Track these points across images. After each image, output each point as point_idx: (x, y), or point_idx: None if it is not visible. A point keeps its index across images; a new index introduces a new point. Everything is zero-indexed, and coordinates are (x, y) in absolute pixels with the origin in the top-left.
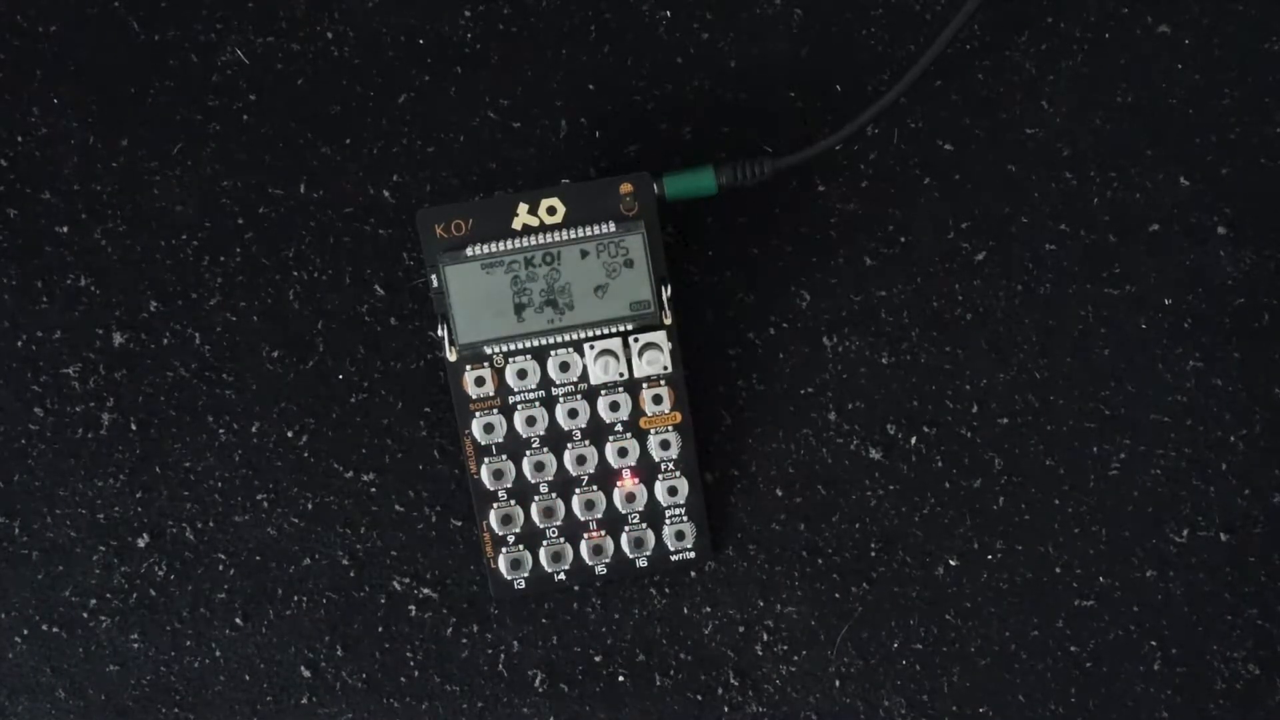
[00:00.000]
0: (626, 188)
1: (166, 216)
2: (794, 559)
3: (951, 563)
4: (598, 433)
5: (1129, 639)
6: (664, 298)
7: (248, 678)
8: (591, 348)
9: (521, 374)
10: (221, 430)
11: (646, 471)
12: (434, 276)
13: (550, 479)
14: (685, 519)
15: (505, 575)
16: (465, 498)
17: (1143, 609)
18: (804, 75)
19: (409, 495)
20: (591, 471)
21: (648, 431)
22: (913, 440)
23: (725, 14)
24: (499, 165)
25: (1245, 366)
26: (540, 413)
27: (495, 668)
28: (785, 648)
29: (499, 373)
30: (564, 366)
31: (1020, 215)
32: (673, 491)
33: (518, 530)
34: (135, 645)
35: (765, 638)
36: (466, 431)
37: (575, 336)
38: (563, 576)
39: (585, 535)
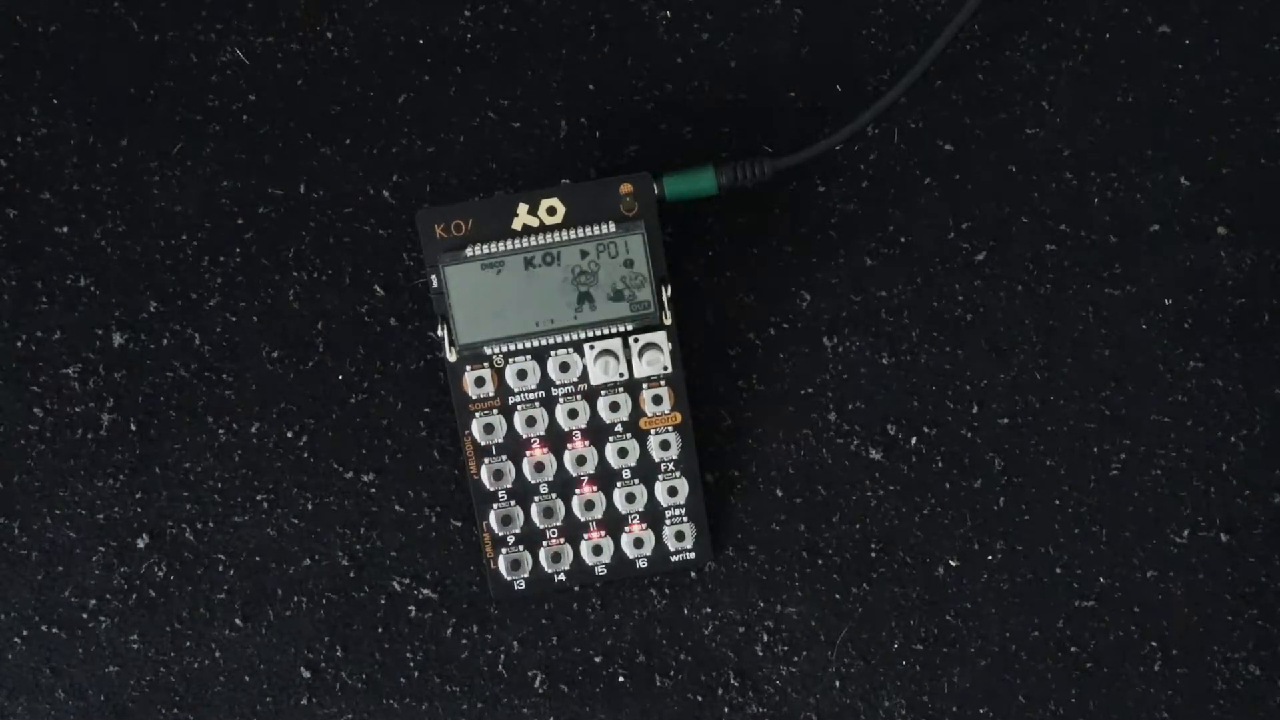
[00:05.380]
0: (626, 188)
1: (166, 216)
2: (794, 559)
3: (951, 563)
4: (598, 433)
5: (1129, 639)
6: (664, 298)
7: (248, 678)
8: (591, 348)
9: (521, 374)
10: (221, 430)
11: (646, 472)
12: (434, 276)
13: (550, 479)
14: (685, 519)
15: (505, 575)
16: (465, 498)
17: (1143, 609)
18: (804, 75)
19: (409, 495)
20: (591, 472)
21: (648, 432)
22: (913, 440)
23: (725, 14)
24: (499, 165)
25: (1245, 366)
26: (540, 413)
27: (495, 668)
28: (785, 648)
29: (499, 373)
30: (564, 367)
31: (1020, 215)
32: (673, 492)
33: (518, 531)
34: (135, 646)
35: (765, 638)
36: (466, 432)
37: (575, 336)
38: (563, 577)
39: (585, 535)
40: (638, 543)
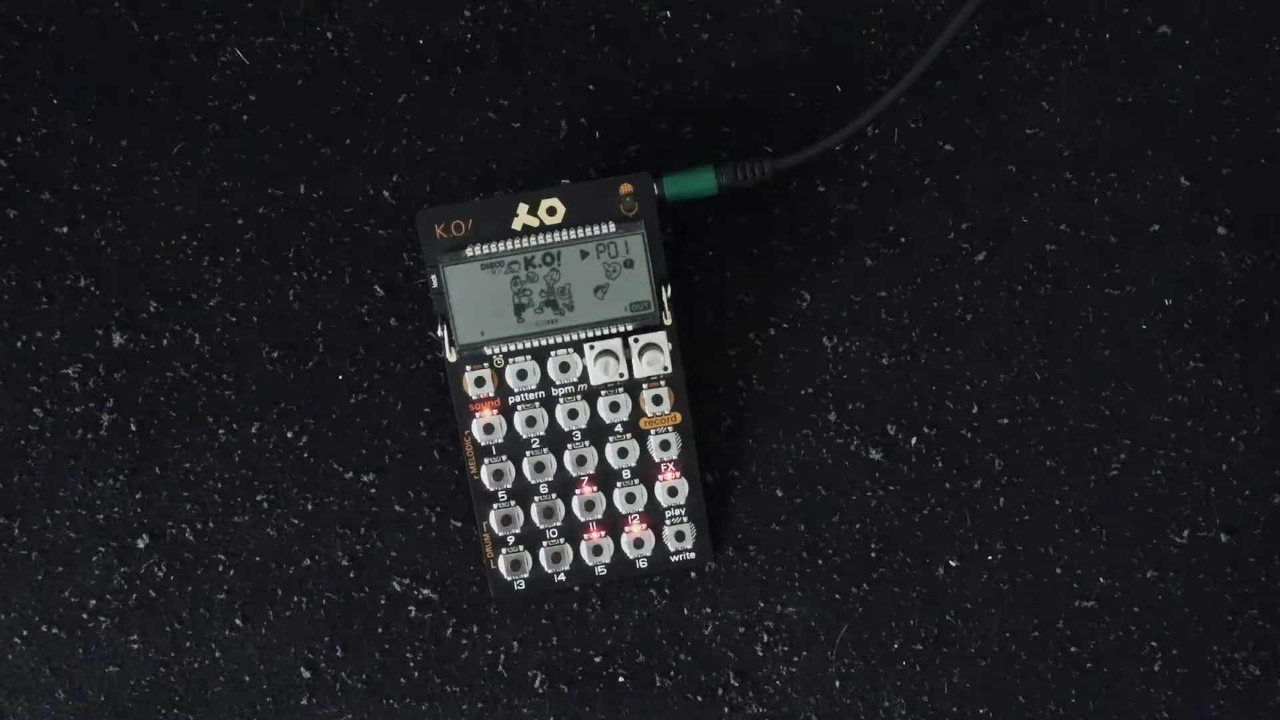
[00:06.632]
0: (626, 188)
1: (166, 216)
2: (794, 559)
3: (951, 563)
4: (598, 433)
5: (1129, 639)
6: (664, 298)
7: (248, 678)
8: (591, 348)
9: (521, 374)
10: (221, 430)
11: (646, 472)
12: (434, 277)
13: (550, 479)
14: (685, 519)
15: (505, 576)
16: (465, 498)
17: (1143, 609)
18: (804, 75)
19: (409, 496)
20: (591, 472)
21: (648, 432)
22: (913, 440)
23: (725, 14)
24: (499, 165)
25: (1245, 366)
26: (540, 413)
27: (495, 668)
28: (785, 648)
29: (499, 373)
30: (564, 367)
31: (1020, 215)
32: (673, 492)
33: (518, 531)
34: (135, 646)
35: (765, 638)
36: (466, 432)
37: (575, 337)
38: (563, 577)
39: (585, 536)
40: (638, 543)
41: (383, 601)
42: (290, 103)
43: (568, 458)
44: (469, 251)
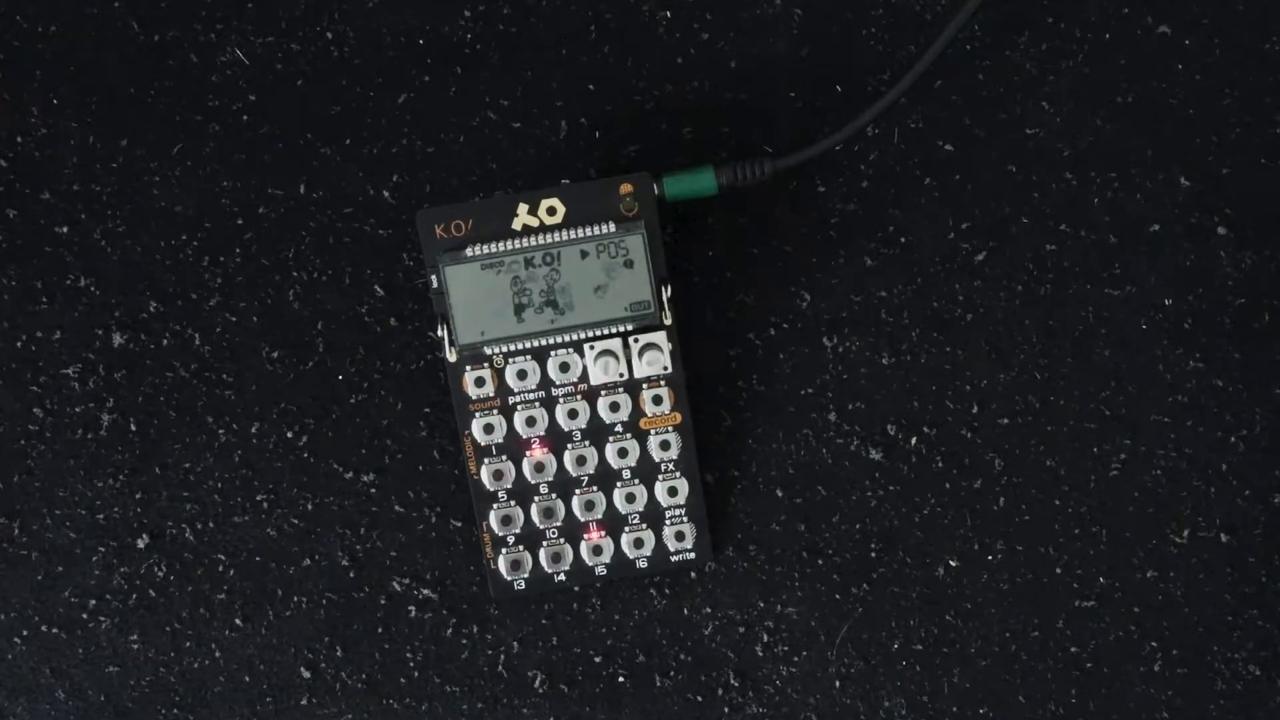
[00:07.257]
0: (626, 188)
1: (166, 216)
2: (794, 559)
3: (951, 563)
4: (598, 433)
5: (1129, 639)
6: (664, 298)
7: (247, 678)
8: (591, 348)
9: (521, 374)
10: (221, 430)
11: (646, 472)
12: (434, 277)
13: (550, 479)
14: (685, 520)
15: (505, 576)
16: (465, 498)
17: (1143, 609)
18: (804, 75)
19: (409, 496)
20: (591, 472)
21: (648, 432)
22: (913, 440)
23: (725, 14)
24: (499, 165)
25: (1245, 366)
26: (540, 413)
27: (495, 668)
28: (785, 648)
29: (499, 373)
30: (564, 367)
31: (1020, 215)
32: (673, 492)
33: (517, 531)
34: (135, 646)
35: (765, 638)
36: (466, 432)
37: (575, 337)
38: (563, 577)
39: (585, 536)
40: (638, 543)
41: (383, 601)
42: (290, 103)
43: (568, 458)
44: (469, 251)
